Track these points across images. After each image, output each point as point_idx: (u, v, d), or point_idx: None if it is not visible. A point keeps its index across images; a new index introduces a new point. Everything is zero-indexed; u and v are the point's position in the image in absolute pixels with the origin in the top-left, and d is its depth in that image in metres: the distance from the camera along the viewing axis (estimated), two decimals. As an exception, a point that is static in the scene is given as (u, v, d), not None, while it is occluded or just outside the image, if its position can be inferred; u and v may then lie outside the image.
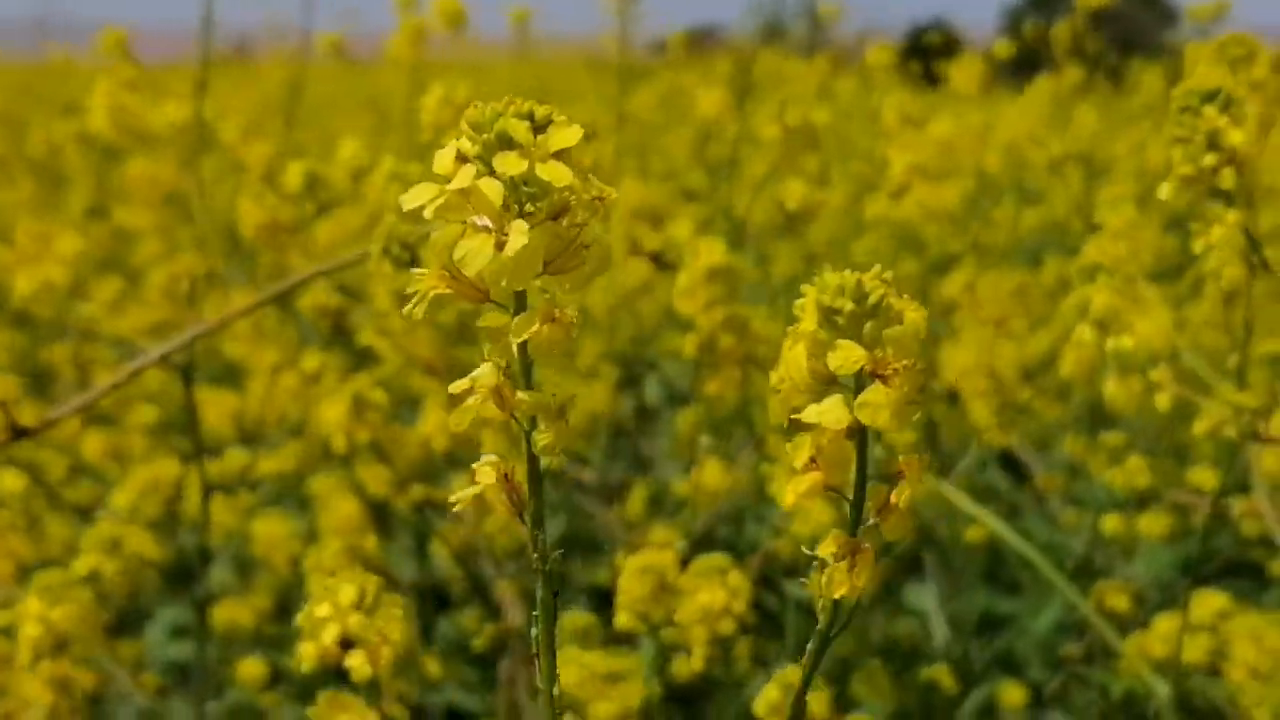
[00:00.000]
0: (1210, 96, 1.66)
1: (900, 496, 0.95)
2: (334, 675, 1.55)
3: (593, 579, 3.33)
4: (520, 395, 0.95)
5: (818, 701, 1.74)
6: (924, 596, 3.62)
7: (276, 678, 3.15)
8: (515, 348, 0.95)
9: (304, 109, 6.31)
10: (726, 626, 1.97)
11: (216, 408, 3.78)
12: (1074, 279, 1.99)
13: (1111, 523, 3.25)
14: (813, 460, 0.93)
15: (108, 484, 3.58)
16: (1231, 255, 1.66)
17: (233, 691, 3.24)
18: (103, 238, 4.86)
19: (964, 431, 3.41)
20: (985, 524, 2.51)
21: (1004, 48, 5.05)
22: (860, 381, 0.91)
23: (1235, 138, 1.63)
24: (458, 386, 0.95)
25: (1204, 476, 3.30)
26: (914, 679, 3.22)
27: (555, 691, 1.02)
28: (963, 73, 4.14)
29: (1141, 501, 3.31)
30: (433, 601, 3.50)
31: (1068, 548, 3.52)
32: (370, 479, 2.76)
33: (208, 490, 2.68)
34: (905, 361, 0.90)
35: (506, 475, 0.98)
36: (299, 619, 1.45)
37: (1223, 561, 3.48)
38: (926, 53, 5.26)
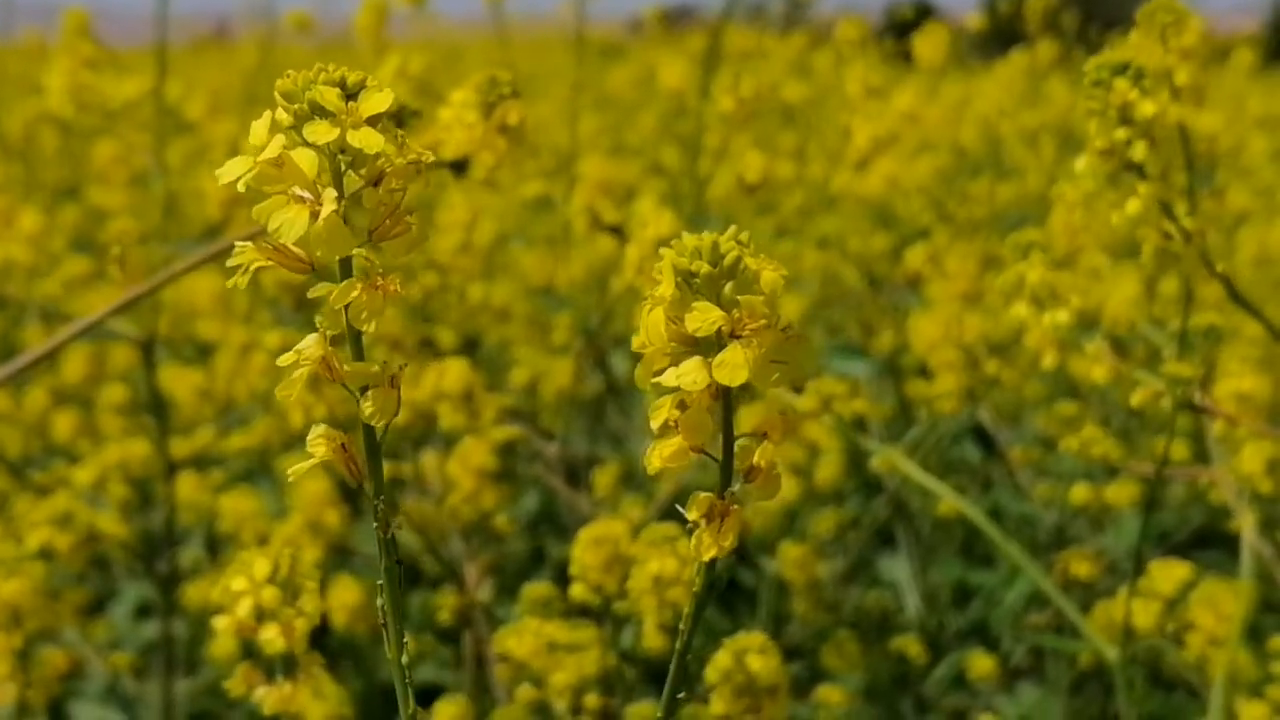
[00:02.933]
0: (1121, 69, 1.64)
1: (764, 457, 0.95)
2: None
3: (566, 555, 3.32)
4: (346, 366, 0.95)
5: (764, 667, 1.74)
6: (897, 568, 3.63)
7: (249, 656, 3.14)
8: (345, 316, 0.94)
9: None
10: (678, 595, 1.96)
11: (186, 385, 3.77)
12: (1007, 256, 1.98)
13: (1080, 492, 3.25)
14: (675, 424, 0.93)
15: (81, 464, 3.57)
16: (1148, 229, 1.66)
17: (207, 670, 3.24)
18: (76, 218, 4.85)
19: (935, 406, 3.41)
20: (948, 499, 2.51)
21: (976, 20, 5.03)
22: (720, 342, 0.92)
23: (1147, 110, 1.61)
24: (286, 359, 0.95)
25: (1171, 447, 3.29)
26: (884, 650, 3.22)
27: (404, 659, 1.04)
28: (927, 43, 4.12)
29: (1113, 472, 3.30)
30: (405, 580, 3.49)
31: (1040, 520, 3.52)
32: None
33: (171, 467, 2.68)
34: (762, 321, 0.91)
35: (344, 445, 0.98)
36: (214, 593, 1.46)
37: (1193, 531, 3.49)
38: (904, 29, 5.24)
